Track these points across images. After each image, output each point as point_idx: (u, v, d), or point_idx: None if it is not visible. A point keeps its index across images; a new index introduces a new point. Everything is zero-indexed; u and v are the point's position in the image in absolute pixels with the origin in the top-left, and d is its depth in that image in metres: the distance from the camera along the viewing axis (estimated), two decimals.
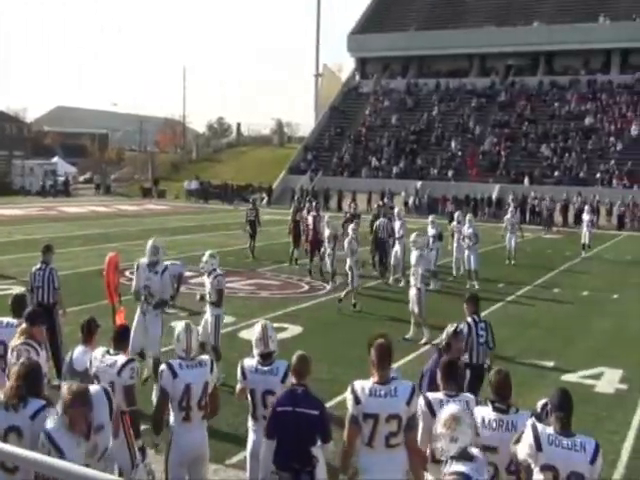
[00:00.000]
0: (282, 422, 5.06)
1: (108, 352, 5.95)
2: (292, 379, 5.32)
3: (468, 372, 7.09)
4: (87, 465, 4.08)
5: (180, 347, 5.70)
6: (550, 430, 4.45)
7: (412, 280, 12.72)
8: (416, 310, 12.43)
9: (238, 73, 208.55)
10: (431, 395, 5.19)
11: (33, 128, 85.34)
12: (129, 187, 58.58)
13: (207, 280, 9.91)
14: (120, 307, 9.34)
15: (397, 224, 18.91)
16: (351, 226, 16.27)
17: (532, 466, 4.43)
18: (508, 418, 4.85)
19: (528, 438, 4.44)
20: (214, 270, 9.82)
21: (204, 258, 9.90)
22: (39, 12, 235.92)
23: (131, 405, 5.76)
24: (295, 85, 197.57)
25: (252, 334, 6.12)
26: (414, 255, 12.93)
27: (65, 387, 4.41)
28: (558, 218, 37.66)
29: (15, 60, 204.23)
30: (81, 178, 67.89)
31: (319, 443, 5.14)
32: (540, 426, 4.49)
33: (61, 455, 4.09)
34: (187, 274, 16.24)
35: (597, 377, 10.52)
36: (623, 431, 8.36)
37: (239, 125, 79.07)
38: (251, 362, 5.82)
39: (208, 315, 9.83)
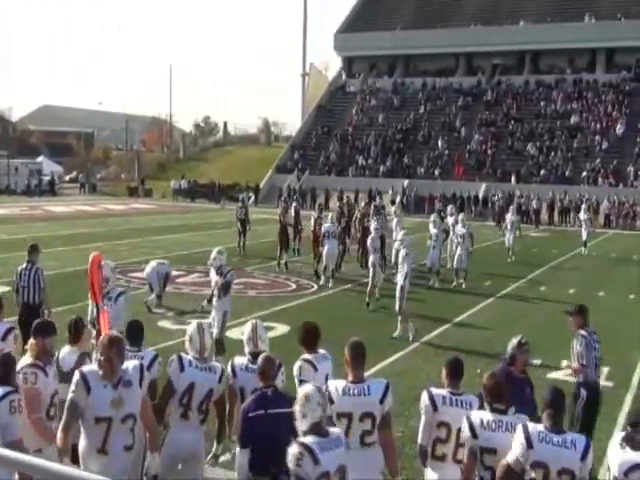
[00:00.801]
0: (255, 428, 4.95)
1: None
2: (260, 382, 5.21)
3: (584, 391, 6.77)
4: (110, 417, 4.66)
5: (194, 347, 5.65)
6: (540, 427, 4.44)
7: (398, 277, 12.82)
8: (397, 307, 12.54)
9: (225, 72, 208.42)
10: (435, 390, 5.17)
11: (18, 127, 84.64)
12: (115, 186, 58.28)
13: (213, 275, 10.28)
14: (104, 307, 9.28)
15: (394, 222, 18.97)
16: (373, 224, 16.34)
17: (524, 465, 4.39)
18: (507, 419, 4.76)
19: (519, 437, 4.42)
20: (222, 266, 10.17)
21: (212, 255, 10.31)
22: (23, 12, 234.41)
23: (154, 399, 5.73)
24: (282, 84, 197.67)
25: (242, 333, 6.12)
26: (401, 253, 13.04)
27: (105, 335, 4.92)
28: (544, 216, 37.88)
29: (0, 59, 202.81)
30: (67, 177, 67.52)
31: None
32: (531, 425, 4.49)
33: (88, 392, 4.62)
34: (174, 274, 16.19)
35: None
36: (609, 428, 8.40)
37: (226, 124, 79.12)
38: (241, 360, 5.81)
39: (214, 313, 10.19)
